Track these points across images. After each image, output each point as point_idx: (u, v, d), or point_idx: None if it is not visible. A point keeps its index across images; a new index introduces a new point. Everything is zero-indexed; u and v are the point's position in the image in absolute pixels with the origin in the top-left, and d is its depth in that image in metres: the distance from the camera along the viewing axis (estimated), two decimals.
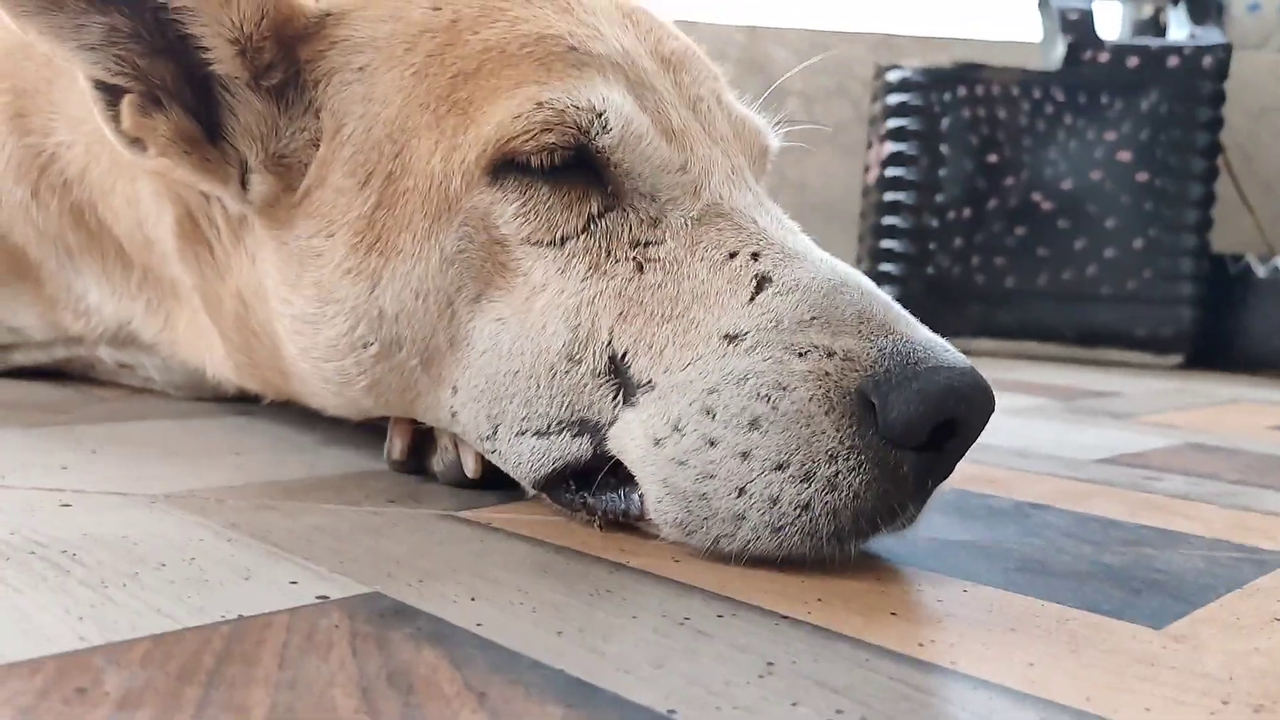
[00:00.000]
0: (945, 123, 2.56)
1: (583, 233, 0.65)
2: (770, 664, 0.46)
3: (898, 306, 0.62)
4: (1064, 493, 0.89)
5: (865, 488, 0.57)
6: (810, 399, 0.57)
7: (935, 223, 2.57)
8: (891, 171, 2.60)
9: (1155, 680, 0.48)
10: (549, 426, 0.65)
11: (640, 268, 0.64)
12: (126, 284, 0.95)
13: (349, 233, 0.68)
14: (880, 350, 0.58)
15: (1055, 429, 1.31)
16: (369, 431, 0.89)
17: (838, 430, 0.57)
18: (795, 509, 0.57)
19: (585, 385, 0.64)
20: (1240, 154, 2.88)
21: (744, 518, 0.58)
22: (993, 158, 2.56)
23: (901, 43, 3.12)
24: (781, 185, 3.04)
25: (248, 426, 0.95)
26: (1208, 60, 2.49)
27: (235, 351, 0.82)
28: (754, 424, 0.58)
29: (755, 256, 0.63)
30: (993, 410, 0.59)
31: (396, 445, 0.78)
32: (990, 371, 2.07)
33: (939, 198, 2.57)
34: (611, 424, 0.63)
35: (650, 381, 0.62)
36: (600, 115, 0.64)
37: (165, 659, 0.43)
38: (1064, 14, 2.56)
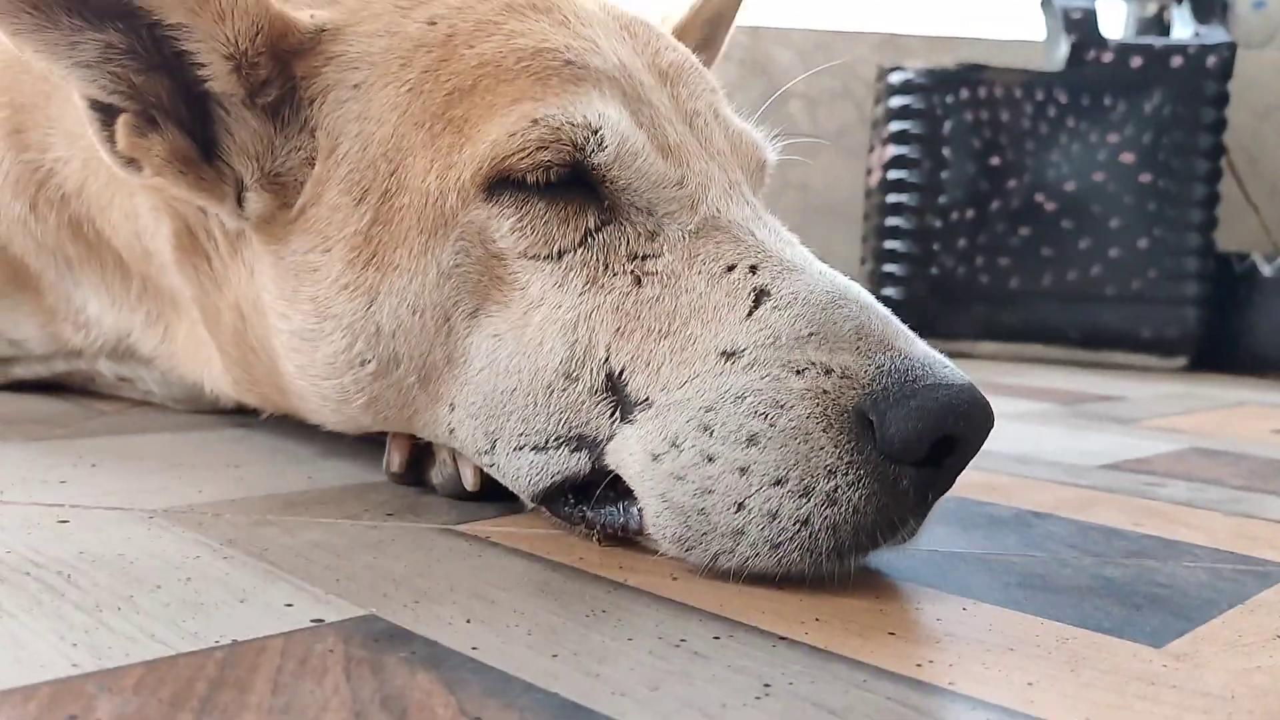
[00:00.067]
0: (948, 124, 2.55)
1: (580, 246, 0.65)
2: (767, 686, 0.46)
3: (896, 320, 0.62)
4: (1066, 501, 0.88)
5: (865, 502, 0.57)
6: (808, 416, 0.57)
7: (939, 224, 2.57)
8: (895, 173, 2.60)
9: (1155, 700, 0.47)
10: (546, 442, 0.65)
11: (638, 281, 0.64)
12: (126, 295, 0.95)
13: (345, 248, 0.68)
14: (879, 367, 0.58)
15: (1058, 434, 1.31)
16: (368, 443, 0.88)
17: (835, 446, 0.57)
18: (794, 524, 0.57)
19: (583, 403, 0.63)
20: (1245, 153, 2.87)
21: (743, 533, 0.58)
22: (996, 159, 2.55)
23: (905, 42, 3.11)
24: (785, 187, 3.03)
25: (247, 439, 0.95)
26: (1212, 60, 2.48)
27: (233, 366, 0.82)
28: (752, 440, 0.58)
29: (753, 269, 0.63)
30: (991, 426, 0.59)
31: (395, 458, 0.78)
32: (994, 375, 2.07)
33: (942, 199, 2.56)
34: (609, 439, 0.63)
35: (648, 399, 0.61)
36: (596, 132, 0.63)
37: (158, 685, 0.43)
38: (1067, 13, 2.55)
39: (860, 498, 0.57)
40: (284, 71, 0.69)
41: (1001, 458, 1.08)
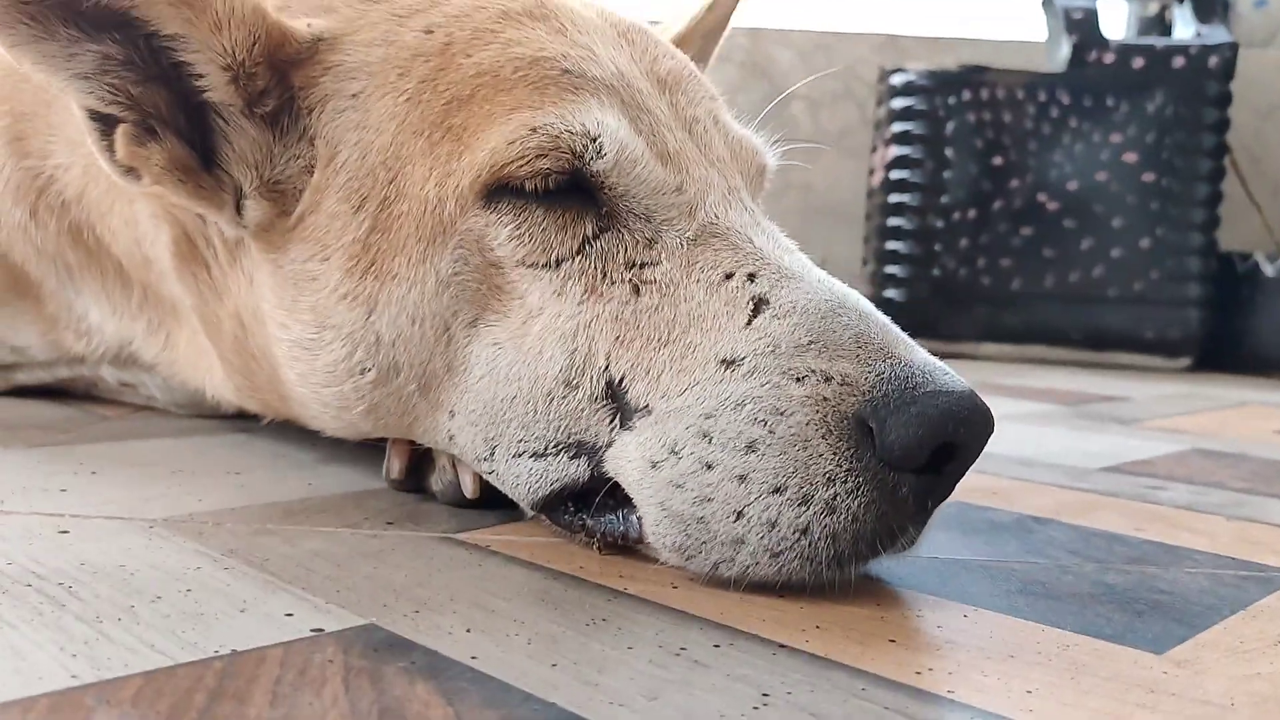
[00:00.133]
0: (950, 125, 2.55)
1: (578, 254, 0.65)
2: (765, 695, 0.46)
3: (896, 328, 0.62)
4: (1067, 505, 0.88)
5: (864, 510, 0.57)
6: (807, 424, 0.57)
7: (941, 225, 2.56)
8: (897, 174, 2.59)
9: (1155, 708, 0.47)
10: (546, 449, 0.65)
11: (636, 289, 0.64)
12: (127, 303, 0.95)
13: (344, 257, 0.68)
14: (878, 374, 0.57)
15: (1060, 436, 1.30)
16: (368, 448, 0.88)
17: (835, 454, 0.57)
18: (794, 532, 0.57)
19: (583, 410, 0.63)
20: (1247, 153, 2.87)
21: (743, 541, 0.58)
22: (998, 160, 2.55)
23: (906, 43, 3.11)
24: (787, 188, 3.03)
25: (248, 444, 0.95)
26: (1214, 60, 2.48)
27: (234, 373, 0.82)
28: (751, 448, 0.58)
29: (752, 277, 0.63)
30: (991, 433, 0.59)
31: (395, 465, 0.78)
32: (996, 376, 2.07)
33: (944, 200, 2.56)
34: (609, 446, 0.63)
35: (647, 406, 0.61)
36: (595, 140, 0.63)
37: (156, 697, 0.43)
38: (1068, 14, 2.55)
39: (859, 506, 0.57)
40: (282, 81, 0.69)
41: (1003, 460, 1.08)
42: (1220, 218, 2.54)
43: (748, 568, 0.58)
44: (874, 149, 2.72)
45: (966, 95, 2.55)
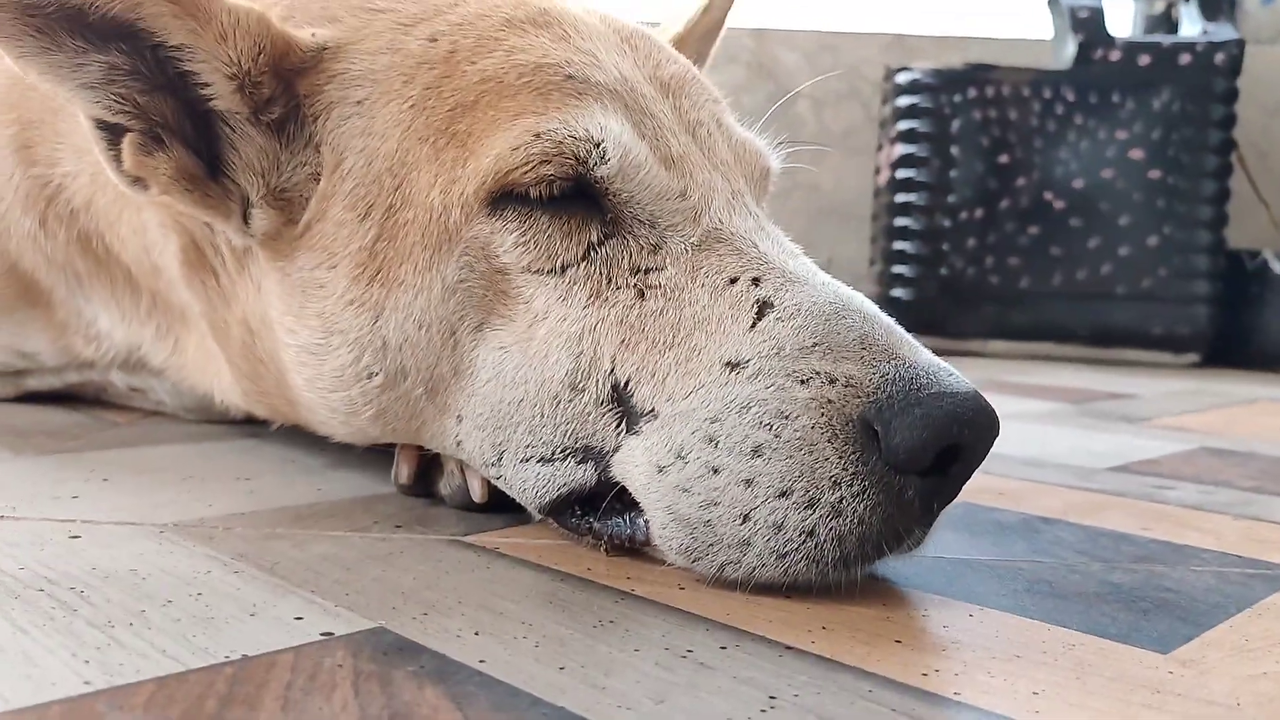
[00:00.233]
0: (956, 124, 2.55)
1: (583, 260, 0.65)
2: (772, 698, 0.46)
3: (900, 330, 0.62)
4: (1074, 505, 0.88)
5: (870, 512, 0.57)
6: (813, 427, 0.57)
7: (948, 224, 2.56)
8: (903, 173, 2.59)
9: (1160, 708, 0.47)
10: (553, 453, 0.66)
11: (641, 294, 0.64)
12: (135, 309, 0.96)
13: (351, 264, 0.68)
14: (883, 376, 0.58)
15: (1068, 435, 1.30)
16: (377, 453, 0.89)
17: (840, 457, 0.57)
18: (800, 535, 0.57)
19: (589, 414, 0.64)
20: (1254, 149, 2.86)
21: (749, 544, 0.58)
22: (1004, 158, 2.55)
23: (912, 42, 3.11)
24: (793, 188, 3.03)
25: (257, 449, 0.95)
26: (1220, 57, 2.47)
27: (242, 379, 0.83)
28: (756, 451, 0.58)
29: (756, 281, 0.63)
30: (997, 434, 0.59)
31: (403, 470, 0.79)
32: (1004, 374, 2.07)
33: (951, 199, 2.56)
34: (615, 451, 0.64)
35: (653, 410, 0.62)
36: (598, 145, 0.64)
37: (168, 703, 0.43)
38: (1074, 12, 2.55)
39: (865, 508, 0.57)
40: (287, 89, 0.69)
41: (1010, 460, 1.08)
42: (1228, 215, 2.53)
43: (754, 570, 0.59)
44: (880, 148, 2.72)
45: (972, 93, 2.55)
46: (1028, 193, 2.54)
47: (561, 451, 0.65)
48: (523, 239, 0.65)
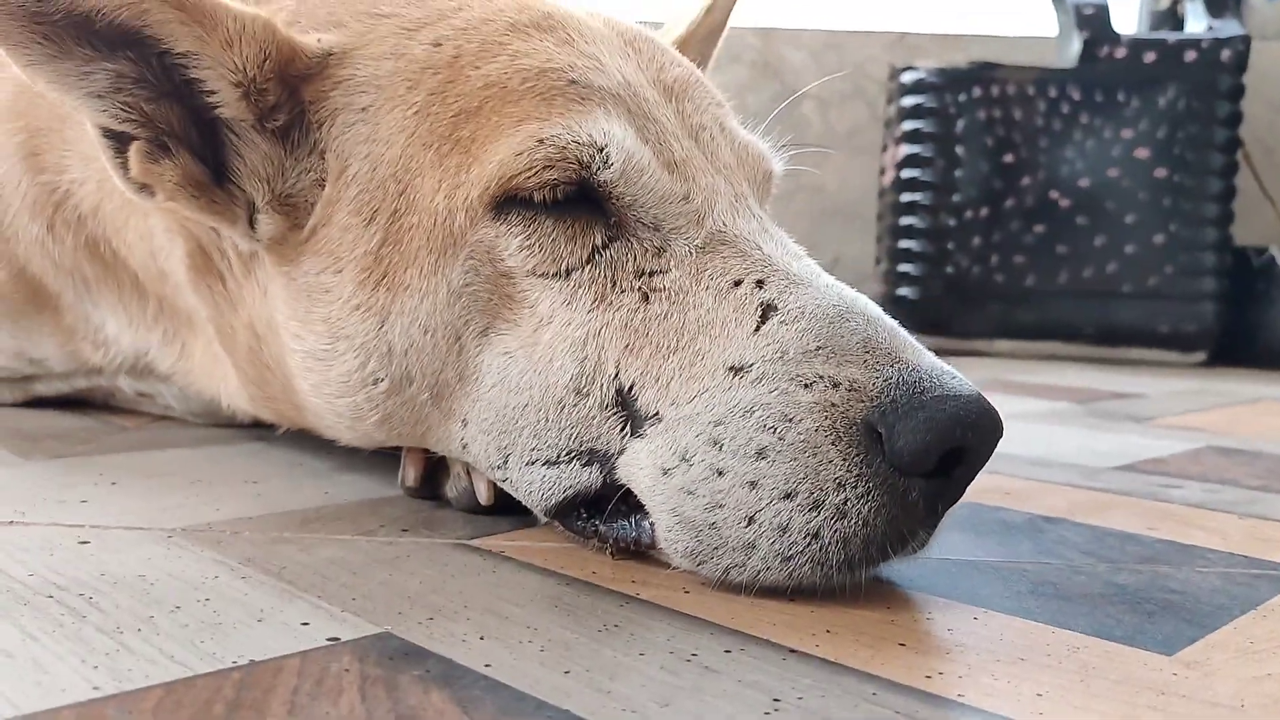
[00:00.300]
0: (961, 123, 2.55)
1: (588, 264, 0.65)
2: (776, 700, 0.47)
3: (904, 333, 0.62)
4: (1080, 505, 0.88)
5: (875, 514, 0.57)
6: (816, 430, 0.58)
7: (953, 223, 2.56)
8: (908, 173, 2.59)
9: (1165, 710, 0.47)
10: (559, 456, 0.66)
11: (645, 298, 0.64)
12: (143, 315, 0.96)
13: (356, 269, 0.69)
14: (886, 380, 0.58)
15: (1074, 435, 1.30)
16: (384, 456, 0.89)
17: (844, 459, 0.57)
18: (805, 537, 0.58)
19: (593, 418, 0.64)
20: (1261, 146, 2.85)
21: (754, 547, 0.59)
22: (1010, 157, 2.54)
23: (917, 41, 3.10)
24: (797, 189, 3.03)
25: (264, 453, 0.96)
26: (1226, 53, 2.47)
27: (249, 383, 0.83)
28: (761, 454, 0.58)
29: (760, 284, 0.63)
30: (1000, 436, 0.59)
31: (410, 473, 0.79)
32: (1009, 374, 2.06)
33: (956, 198, 2.55)
34: (620, 454, 0.64)
35: (657, 414, 0.62)
36: (601, 150, 0.64)
37: (176, 708, 0.44)
38: (1079, 9, 2.54)
39: (870, 510, 0.57)
40: (293, 96, 0.70)
41: (1016, 460, 1.08)
42: (1234, 212, 2.52)
43: (759, 572, 0.59)
44: (885, 147, 2.72)
45: (977, 92, 2.54)
46: (1033, 191, 2.54)
47: (567, 455, 0.66)
48: (527, 243, 0.65)
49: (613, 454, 0.64)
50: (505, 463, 0.69)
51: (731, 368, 0.61)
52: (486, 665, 0.49)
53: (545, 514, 0.69)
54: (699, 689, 0.48)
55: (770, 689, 0.48)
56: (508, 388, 0.66)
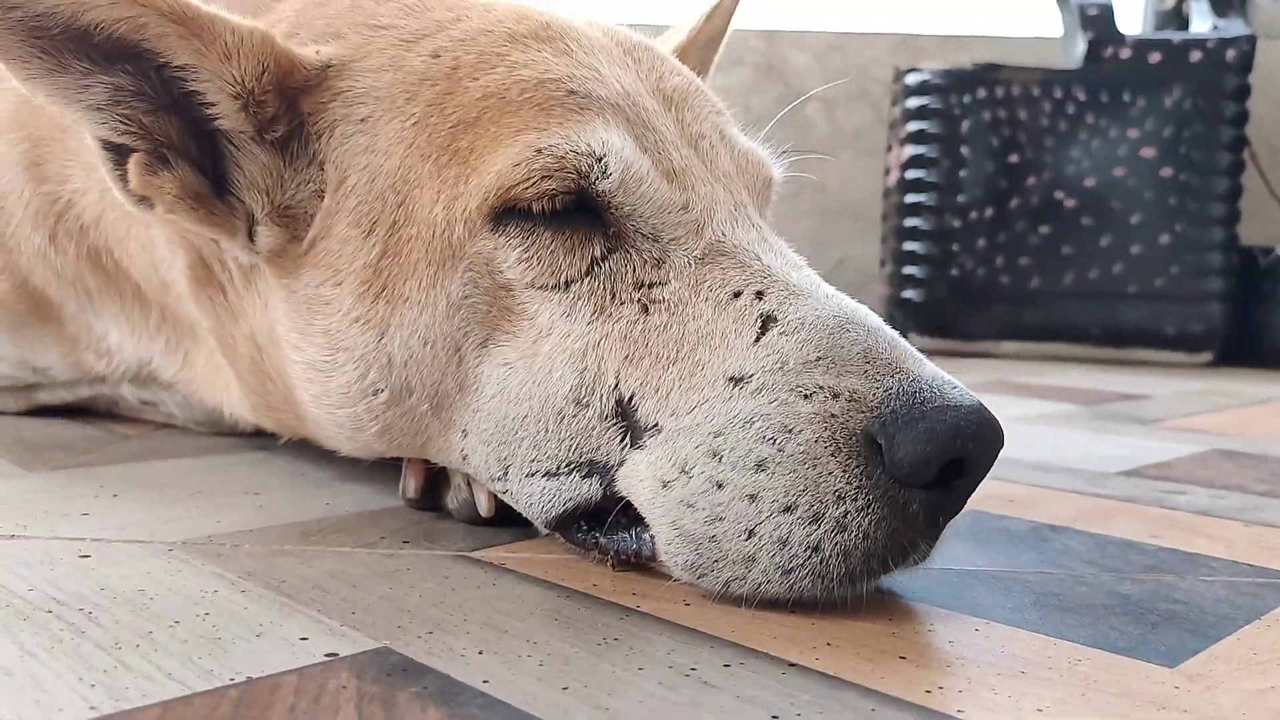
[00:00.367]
0: (966, 124, 2.54)
1: (587, 275, 0.65)
2: (775, 717, 0.46)
3: (904, 343, 0.62)
4: (1084, 512, 0.88)
5: (875, 527, 0.57)
6: (816, 441, 0.57)
7: (958, 224, 2.55)
8: (913, 174, 2.59)
9: None
10: (558, 468, 0.66)
11: (645, 309, 0.64)
12: (145, 324, 0.96)
13: (356, 281, 0.69)
14: (886, 390, 0.58)
15: (1079, 438, 1.30)
16: (386, 465, 0.89)
17: (845, 471, 0.57)
18: (805, 550, 0.57)
19: (593, 429, 0.64)
20: (1266, 145, 2.84)
21: (754, 560, 0.58)
22: (1014, 158, 2.54)
23: (921, 42, 3.10)
24: (801, 190, 3.03)
25: (267, 463, 0.96)
26: (1231, 53, 2.46)
27: (250, 393, 0.83)
28: (760, 466, 0.58)
29: (760, 295, 0.63)
30: (1001, 447, 0.59)
31: (411, 484, 0.79)
32: (1015, 375, 2.06)
33: (961, 199, 2.55)
34: (620, 465, 0.64)
35: (657, 425, 0.62)
36: (600, 160, 0.64)
37: None
38: (1084, 10, 2.54)
39: (870, 523, 0.57)
40: (291, 107, 0.70)
41: (1020, 465, 1.07)
42: (1241, 212, 2.52)
43: (759, 585, 0.59)
44: (889, 149, 2.71)
45: (982, 93, 2.54)
46: (1038, 192, 2.53)
47: (566, 466, 0.65)
48: (526, 255, 0.65)
49: (612, 465, 0.64)
50: (505, 474, 0.69)
51: (731, 378, 0.60)
52: (485, 681, 0.49)
53: (546, 526, 0.69)
54: (697, 705, 0.47)
55: (769, 704, 0.48)
56: (507, 399, 0.66)
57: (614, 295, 0.65)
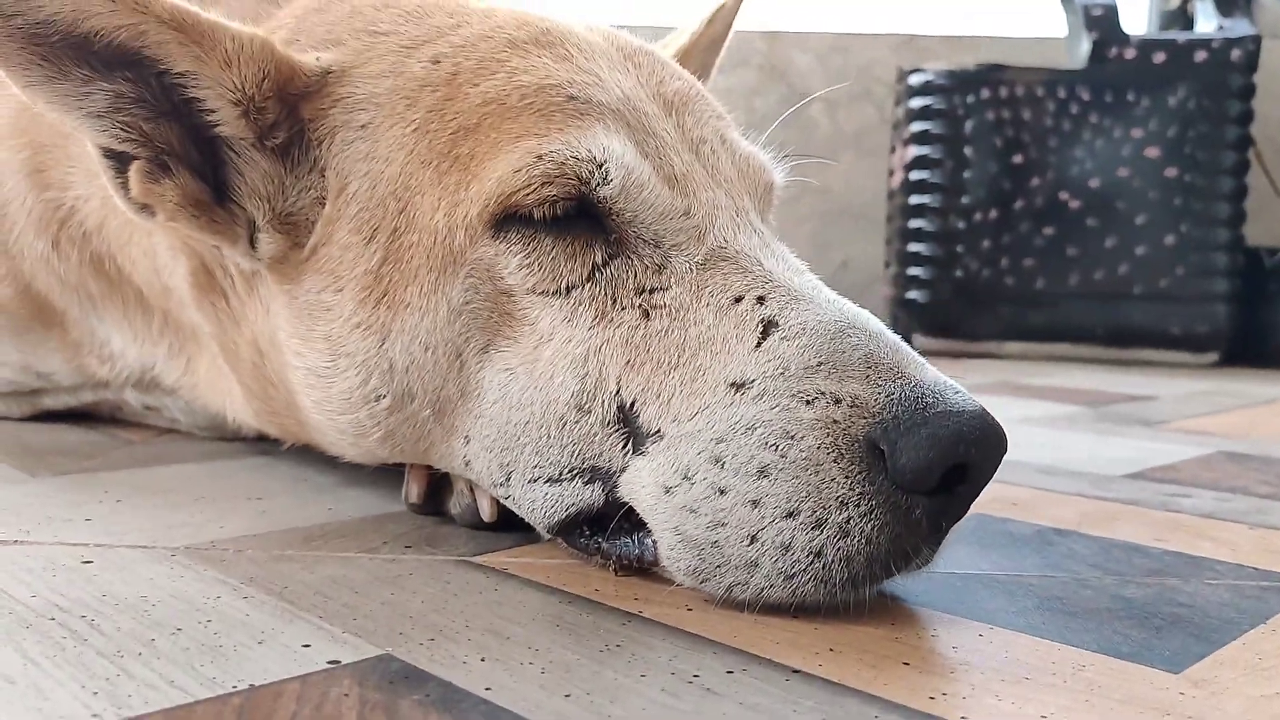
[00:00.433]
0: (969, 125, 2.54)
1: (588, 281, 0.65)
2: None
3: (906, 347, 0.62)
4: (1088, 515, 0.88)
5: (878, 532, 0.57)
6: (818, 447, 0.57)
7: (962, 225, 2.55)
8: (916, 175, 2.58)
9: None
10: (561, 474, 0.66)
11: (646, 315, 0.64)
12: (148, 330, 0.96)
13: (357, 287, 0.69)
14: (889, 396, 0.57)
15: (1084, 440, 1.29)
16: (388, 470, 0.89)
17: (847, 477, 0.57)
18: (808, 556, 0.57)
19: (595, 434, 0.64)
20: (1271, 145, 2.83)
21: (757, 565, 0.58)
22: (1019, 158, 2.53)
23: (924, 43, 3.10)
24: (804, 192, 3.03)
25: (269, 467, 0.96)
26: (1236, 53, 2.45)
27: (253, 399, 0.83)
28: (763, 472, 0.58)
29: (761, 300, 0.63)
30: (1004, 452, 0.59)
31: (413, 489, 0.79)
32: (1020, 376, 2.06)
33: (965, 200, 2.55)
34: (622, 471, 0.64)
35: (659, 431, 0.62)
36: (600, 166, 0.64)
37: None
38: (1088, 10, 2.53)
39: (873, 528, 0.57)
40: (292, 114, 0.70)
41: (1024, 468, 1.07)
42: (1246, 212, 2.51)
43: (762, 590, 0.59)
44: (893, 150, 2.71)
45: (985, 94, 2.53)
46: (1043, 193, 2.53)
47: (569, 472, 0.65)
48: (527, 261, 0.65)
49: (614, 471, 0.64)
50: (508, 480, 0.68)
51: (733, 384, 0.60)
52: (487, 689, 0.49)
53: (548, 531, 0.69)
54: (700, 712, 0.47)
55: (772, 711, 0.47)
56: (509, 404, 0.66)
57: (615, 301, 0.65)
